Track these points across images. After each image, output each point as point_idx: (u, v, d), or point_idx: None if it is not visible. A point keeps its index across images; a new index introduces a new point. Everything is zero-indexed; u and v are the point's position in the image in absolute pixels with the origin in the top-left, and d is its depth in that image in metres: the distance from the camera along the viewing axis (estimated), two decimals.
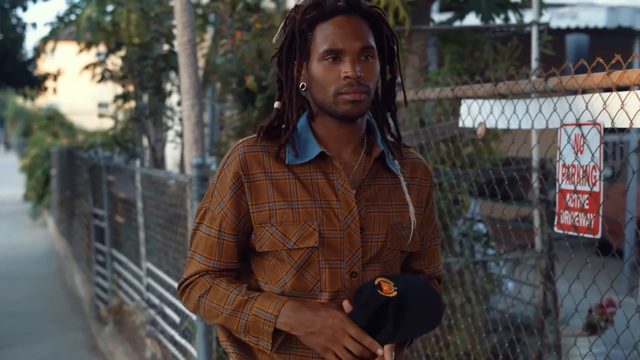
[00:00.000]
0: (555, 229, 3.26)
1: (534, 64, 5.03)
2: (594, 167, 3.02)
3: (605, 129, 2.90)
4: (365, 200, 2.11)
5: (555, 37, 11.15)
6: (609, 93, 2.90)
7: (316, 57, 2.07)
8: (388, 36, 2.15)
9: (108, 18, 9.34)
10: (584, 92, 3.04)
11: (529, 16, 6.39)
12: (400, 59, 2.22)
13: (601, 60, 2.88)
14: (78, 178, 10.50)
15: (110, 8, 9.54)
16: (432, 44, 6.25)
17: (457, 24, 6.19)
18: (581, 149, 3.07)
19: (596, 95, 2.98)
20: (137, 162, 7.07)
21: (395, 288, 2.02)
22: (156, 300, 6.08)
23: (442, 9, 6.65)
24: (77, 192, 10.85)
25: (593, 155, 3.00)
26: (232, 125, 7.11)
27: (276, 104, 2.17)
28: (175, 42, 7.97)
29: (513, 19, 5.88)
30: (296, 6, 2.14)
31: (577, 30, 10.47)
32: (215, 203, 2.13)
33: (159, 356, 6.08)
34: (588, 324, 5.69)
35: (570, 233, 3.14)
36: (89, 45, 9.90)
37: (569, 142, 3.12)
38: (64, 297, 10.60)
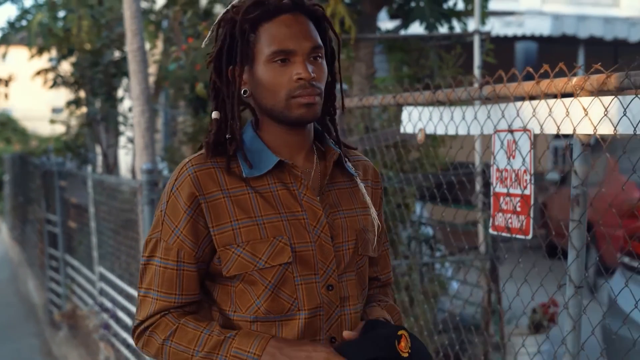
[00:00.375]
0: (490, 231, 3.42)
1: (477, 71, 5.18)
2: (525, 171, 3.17)
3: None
4: (330, 207, 1.98)
5: (505, 44, 11.45)
6: (538, 101, 3.05)
7: (262, 60, 1.91)
8: (331, 37, 2.03)
9: (60, 24, 9.37)
10: (520, 99, 3.18)
11: (474, 25, 6.58)
12: (347, 66, 2.20)
13: (548, 68, 2.98)
14: (31, 184, 10.50)
15: (61, 14, 9.57)
16: (380, 51, 6.39)
17: (403, 32, 6.33)
18: (513, 154, 3.22)
19: (527, 102, 3.13)
20: (89, 168, 7.12)
21: (409, 350, 1.87)
22: (109, 304, 6.15)
23: (392, 17, 6.79)
24: (30, 198, 10.84)
25: (524, 159, 3.15)
26: (184, 131, 7.19)
27: (214, 114, 1.98)
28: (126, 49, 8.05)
29: (458, 27, 6.04)
30: (233, 6, 1.97)
31: (524, 38, 10.71)
32: (168, 231, 1.91)
33: (113, 359, 6.14)
34: (532, 323, 5.86)
35: (507, 235, 3.29)
36: (40, 51, 9.92)
37: (502, 147, 3.27)
38: (18, 303, 10.57)
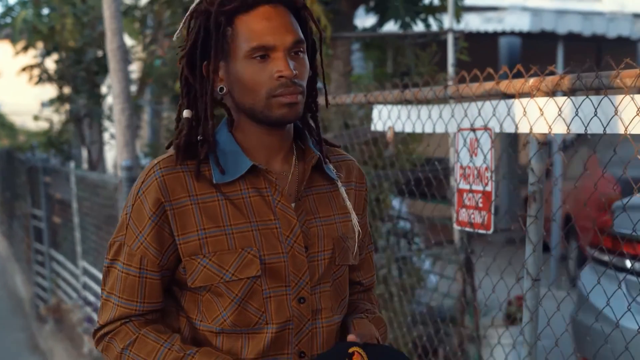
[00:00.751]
0: (455, 226, 3.53)
1: (450, 69, 5.28)
2: (486, 169, 3.29)
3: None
4: (306, 214, 1.86)
5: (485, 40, 11.55)
6: (497, 100, 3.16)
7: (240, 56, 1.77)
8: (312, 30, 1.89)
9: (44, 21, 9.45)
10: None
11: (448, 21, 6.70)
12: (326, 63, 1.98)
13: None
14: (17, 180, 10.58)
15: (45, 11, 9.66)
16: (357, 49, 6.49)
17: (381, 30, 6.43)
18: (475, 151, 3.33)
19: (487, 102, 3.24)
20: (72, 164, 7.21)
21: None
22: (92, 298, 6.25)
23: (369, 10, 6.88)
24: (16, 194, 10.92)
25: (485, 157, 3.27)
26: (167, 127, 7.29)
27: (185, 113, 1.84)
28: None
29: (434, 25, 6.13)
30: None
31: (504, 34, 10.82)
32: (132, 236, 1.81)
33: (96, 352, 6.24)
34: (507, 314, 5.98)
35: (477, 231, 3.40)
36: (25, 47, 10.00)
37: (465, 145, 3.38)
38: (5, 297, 10.65)
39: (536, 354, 3.07)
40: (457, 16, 5.85)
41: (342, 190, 1.94)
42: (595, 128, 2.69)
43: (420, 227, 6.28)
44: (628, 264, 4.46)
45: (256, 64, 1.76)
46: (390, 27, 6.25)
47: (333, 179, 1.93)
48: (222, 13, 1.78)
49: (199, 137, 1.82)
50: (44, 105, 10.03)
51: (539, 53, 10.10)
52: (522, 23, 10.28)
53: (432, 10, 5.78)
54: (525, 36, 10.92)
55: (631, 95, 2.55)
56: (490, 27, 10.56)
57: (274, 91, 1.76)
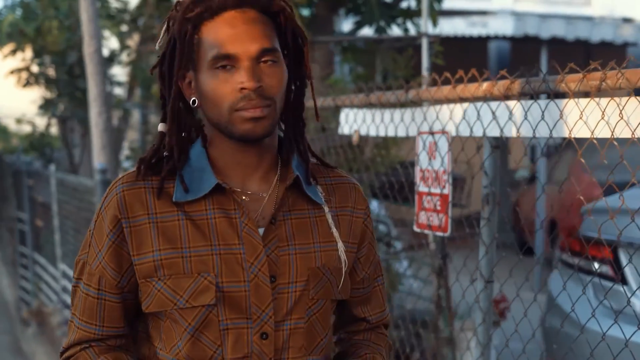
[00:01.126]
0: (414, 228, 3.57)
1: (425, 73, 5.32)
2: (443, 172, 3.32)
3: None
4: (279, 240, 1.68)
5: (470, 44, 11.62)
6: (453, 104, 3.20)
7: (205, 66, 1.63)
8: (295, 34, 1.70)
9: (32, 25, 9.52)
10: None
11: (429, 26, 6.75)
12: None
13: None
14: (4, 183, 10.62)
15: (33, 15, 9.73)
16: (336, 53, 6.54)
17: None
18: (433, 154, 3.37)
19: (445, 106, 3.28)
20: (52, 167, 7.26)
21: None
22: (70, 301, 6.28)
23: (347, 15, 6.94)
24: (3, 197, 10.96)
25: (443, 160, 3.30)
26: (149, 132, 7.32)
27: (160, 127, 1.73)
28: None
29: (412, 29, 6.18)
30: (177, 2, 1.70)
31: (489, 38, 10.89)
32: (93, 255, 1.69)
33: None
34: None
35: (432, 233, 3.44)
36: (14, 51, 10.06)
37: (424, 148, 3.42)
38: None
39: (489, 354, 3.11)
40: (434, 20, 5.90)
41: (329, 215, 1.74)
42: (543, 132, 2.73)
43: (401, 231, 6.33)
44: (594, 267, 4.49)
45: (219, 74, 1.62)
46: (369, 31, 6.30)
47: (318, 203, 1.74)
48: (187, 20, 1.64)
49: (164, 153, 1.69)
50: (42, 108, 10.10)
51: (522, 57, 10.16)
52: (506, 27, 10.35)
53: (408, 14, 5.83)
54: (510, 40, 10.98)
55: (575, 100, 2.59)
56: (475, 32, 10.63)
57: (236, 105, 1.61)
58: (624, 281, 4.13)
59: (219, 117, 1.64)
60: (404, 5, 6.15)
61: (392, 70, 5.99)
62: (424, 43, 5.48)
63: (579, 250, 4.71)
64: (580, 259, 4.43)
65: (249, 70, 1.60)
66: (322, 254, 1.72)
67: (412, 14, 5.86)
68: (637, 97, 2.38)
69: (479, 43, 11.53)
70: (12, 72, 10.32)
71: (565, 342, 4.05)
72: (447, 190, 3.29)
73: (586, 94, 2.59)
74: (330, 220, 1.74)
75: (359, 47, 6.14)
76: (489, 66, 11.44)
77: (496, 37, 10.69)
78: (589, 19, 13.19)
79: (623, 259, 4.18)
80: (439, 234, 3.38)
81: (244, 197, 1.68)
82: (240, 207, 1.66)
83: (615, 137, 2.44)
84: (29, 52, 10.28)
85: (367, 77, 5.93)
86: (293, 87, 1.75)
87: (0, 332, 8.83)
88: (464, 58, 5.97)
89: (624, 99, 2.41)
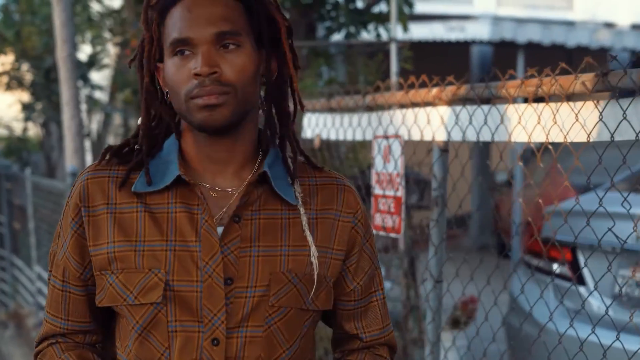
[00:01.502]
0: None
1: (393, 78, 5.41)
2: (397, 175, 3.41)
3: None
4: (242, 241, 1.57)
5: (460, 47, 11.74)
6: (405, 109, 3.29)
7: (167, 53, 1.56)
8: (269, 19, 1.61)
9: (12, 29, 9.61)
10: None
11: (414, 30, 6.85)
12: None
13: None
14: None
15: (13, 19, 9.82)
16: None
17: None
18: (387, 158, 3.45)
19: (398, 110, 3.37)
20: (27, 171, 7.34)
21: None
22: (44, 302, 6.35)
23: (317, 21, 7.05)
24: None
25: (396, 163, 3.39)
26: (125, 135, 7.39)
27: (139, 120, 1.66)
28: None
29: (384, 35, 6.27)
30: None
31: (466, 43, 11.01)
32: (60, 245, 1.64)
33: None
34: (452, 319, 6.11)
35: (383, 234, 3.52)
36: None
37: (379, 152, 3.50)
38: None
39: (438, 352, 3.20)
40: (404, 25, 5.99)
41: (304, 217, 1.61)
42: (486, 136, 2.82)
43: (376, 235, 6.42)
44: (553, 268, 4.58)
45: (177, 61, 1.53)
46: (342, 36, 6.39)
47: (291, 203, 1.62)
48: (152, 7, 1.59)
49: (136, 145, 1.63)
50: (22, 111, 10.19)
51: (502, 61, 10.27)
52: (483, 32, 10.46)
53: (378, 19, 5.92)
54: (486, 45, 11.11)
55: (514, 105, 2.68)
56: (453, 36, 10.75)
57: (191, 92, 1.51)
58: (581, 282, 4.21)
59: (179, 106, 1.55)
60: (376, 10, 6.24)
61: (366, 75, 6.08)
62: (393, 48, 5.57)
63: (539, 251, 4.81)
64: (539, 260, 4.52)
65: (204, 55, 1.51)
66: (289, 259, 1.59)
67: (383, 19, 5.95)
68: (569, 103, 2.48)
69: (461, 47, 11.65)
70: None
71: (526, 342, 4.13)
72: (401, 192, 3.37)
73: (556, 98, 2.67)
74: (304, 223, 1.61)
75: (331, 53, 6.23)
76: (470, 70, 11.55)
77: (473, 42, 10.80)
78: (570, 23, 13.32)
79: (581, 260, 4.27)
80: (393, 235, 3.47)
81: (212, 193, 1.59)
82: (202, 203, 1.56)
83: (550, 141, 2.54)
84: (10, 57, 10.37)
85: (350, 82, 6.02)
86: (274, 77, 1.63)
87: None
88: (444, 62, 6.06)
89: (559, 104, 2.51)
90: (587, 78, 2.35)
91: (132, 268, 1.55)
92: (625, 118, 2.24)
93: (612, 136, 2.29)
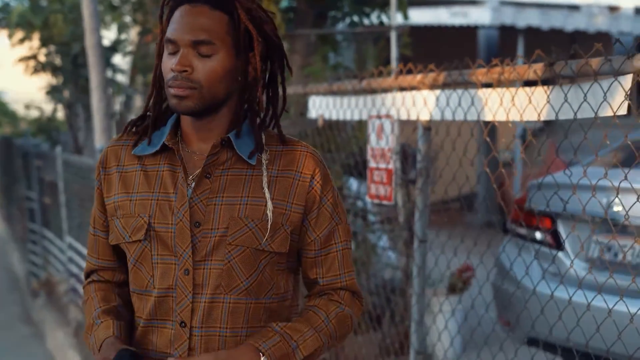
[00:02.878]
0: (367, 198, 4.16)
1: (394, 64, 5.89)
2: (389, 150, 3.91)
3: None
4: (211, 192, 1.94)
5: (469, 31, 12.14)
6: (398, 92, 3.79)
7: (164, 47, 1.97)
8: (249, 31, 1.94)
9: (40, 17, 10.10)
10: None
11: (419, 15, 7.28)
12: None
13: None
14: (14, 164, 11.22)
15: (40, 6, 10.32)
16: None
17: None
18: (380, 135, 3.96)
19: (389, 94, 3.87)
20: (59, 149, 7.86)
21: None
22: (76, 270, 6.90)
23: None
24: (14, 178, 11.55)
25: (387, 140, 3.89)
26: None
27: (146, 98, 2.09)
28: None
29: (388, 21, 6.73)
30: None
31: (469, 28, 11.39)
32: (94, 202, 2.11)
33: (80, 318, 6.89)
34: (450, 285, 6.60)
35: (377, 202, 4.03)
36: (22, 40, 10.64)
37: (373, 130, 4.01)
38: (3, 276, 11.28)
39: (423, 302, 3.71)
40: (404, 12, 6.45)
41: (265, 175, 1.95)
42: (460, 116, 3.32)
43: (380, 208, 6.90)
44: (537, 236, 5.06)
45: (167, 55, 1.92)
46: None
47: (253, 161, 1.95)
48: (166, 4, 1.98)
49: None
50: (48, 94, 10.70)
51: (501, 46, 10.67)
52: (484, 17, 10.86)
53: (379, 5, 6.36)
54: (487, 29, 11.48)
55: (482, 90, 3.18)
56: (457, 21, 11.15)
57: (168, 82, 1.90)
58: (560, 247, 4.68)
59: (165, 89, 1.93)
60: None
61: (371, 60, 6.55)
62: (393, 35, 6.05)
63: (524, 220, 5.29)
64: (522, 228, 5.01)
65: (182, 55, 1.88)
66: (247, 207, 1.93)
67: (383, 6, 6.40)
68: (525, 88, 2.97)
69: (467, 31, 12.04)
70: (20, 60, 10.92)
71: (509, 300, 4.62)
72: (392, 165, 3.88)
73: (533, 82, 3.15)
74: (264, 180, 1.95)
75: (332, 39, 6.71)
76: (477, 54, 11.96)
77: (476, 27, 11.20)
78: (575, 7, 13.65)
79: (561, 228, 4.75)
80: (385, 202, 3.97)
81: (194, 157, 1.98)
82: (181, 164, 1.95)
83: (510, 119, 3.03)
84: (36, 41, 10.88)
85: (333, 67, 6.48)
86: (250, 78, 1.96)
87: (12, 304, 9.40)
88: (449, 46, 6.50)
89: (518, 89, 3.00)
90: (538, 67, 2.84)
91: (129, 214, 1.98)
92: (566, 101, 2.74)
93: (556, 115, 2.78)
